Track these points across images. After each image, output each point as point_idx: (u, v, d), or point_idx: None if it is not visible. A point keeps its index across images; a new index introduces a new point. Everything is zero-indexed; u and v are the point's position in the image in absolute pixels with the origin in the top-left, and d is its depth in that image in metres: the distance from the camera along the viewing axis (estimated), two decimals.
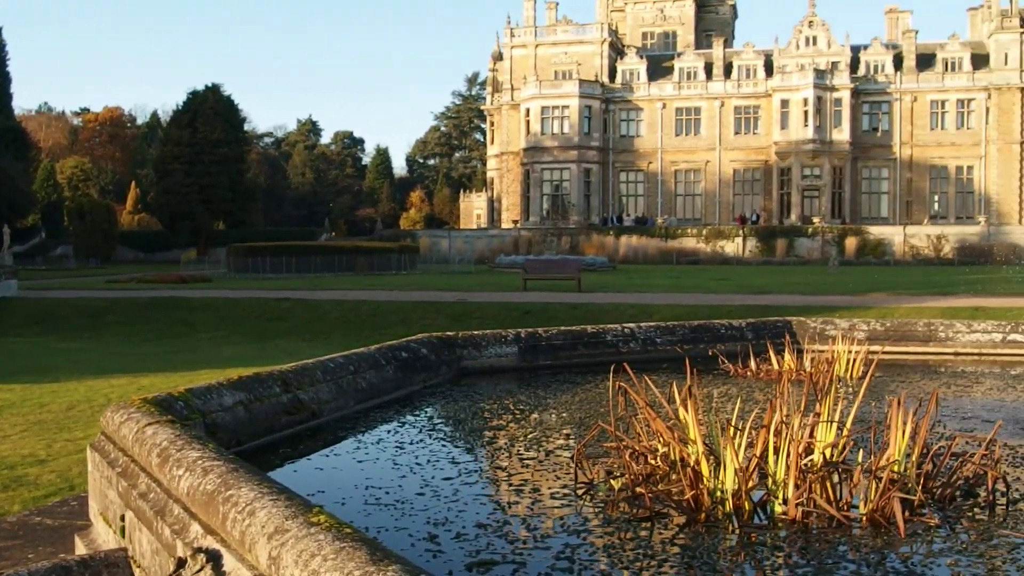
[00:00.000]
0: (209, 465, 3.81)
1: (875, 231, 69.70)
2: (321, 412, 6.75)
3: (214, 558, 3.42)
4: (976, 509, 4.65)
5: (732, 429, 4.66)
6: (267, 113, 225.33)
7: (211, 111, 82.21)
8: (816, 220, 72.78)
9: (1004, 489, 4.90)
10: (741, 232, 69.92)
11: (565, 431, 6.65)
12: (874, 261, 64.11)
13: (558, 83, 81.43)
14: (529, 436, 6.47)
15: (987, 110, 77.00)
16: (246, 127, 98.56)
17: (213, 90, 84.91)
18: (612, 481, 4.96)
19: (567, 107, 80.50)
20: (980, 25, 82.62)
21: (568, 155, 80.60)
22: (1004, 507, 4.69)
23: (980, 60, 78.05)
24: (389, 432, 6.57)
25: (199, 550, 3.50)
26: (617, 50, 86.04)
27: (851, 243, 66.80)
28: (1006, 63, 76.61)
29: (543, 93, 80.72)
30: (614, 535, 4.13)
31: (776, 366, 9.38)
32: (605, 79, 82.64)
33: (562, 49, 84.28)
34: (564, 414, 7.39)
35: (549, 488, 5.00)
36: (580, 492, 4.89)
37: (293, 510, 3.20)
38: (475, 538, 4.10)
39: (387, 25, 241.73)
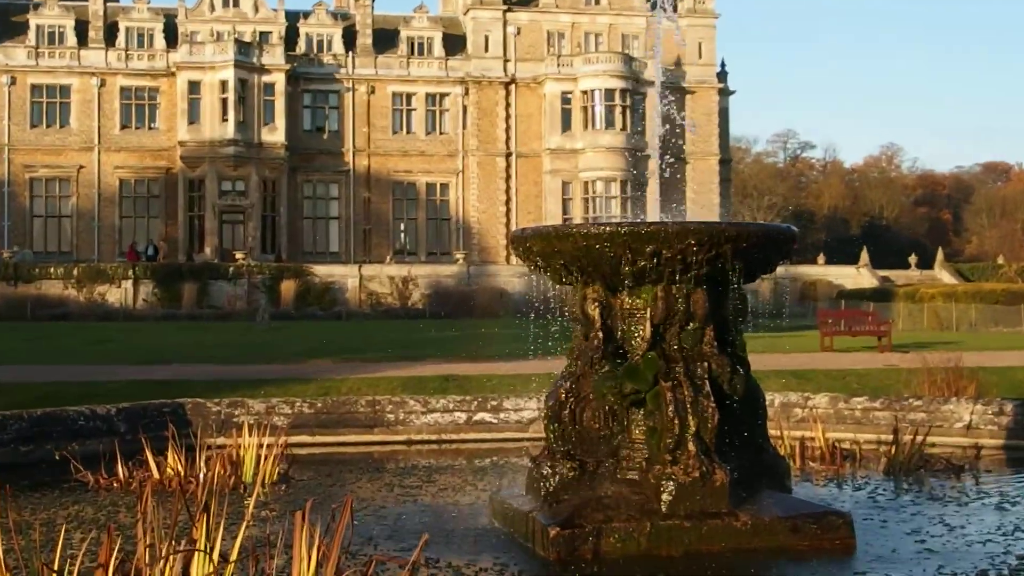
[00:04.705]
0: None
1: (322, 272, 72.55)
2: None
3: None
4: None
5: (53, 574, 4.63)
6: None
7: None
8: (240, 256, 74.37)
9: None
10: (132, 273, 69.51)
11: None
12: (321, 314, 66.77)
13: None
14: None
15: (464, 109, 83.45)
16: None
17: None
18: None
19: None
20: None
21: None
22: None
23: (455, 43, 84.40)
24: None
25: None
26: None
27: (289, 288, 69.03)
28: (487, 49, 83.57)
29: None
30: None
31: (156, 472, 9.48)
32: None
33: None
34: None
35: None
36: None
37: None
38: None
39: None
